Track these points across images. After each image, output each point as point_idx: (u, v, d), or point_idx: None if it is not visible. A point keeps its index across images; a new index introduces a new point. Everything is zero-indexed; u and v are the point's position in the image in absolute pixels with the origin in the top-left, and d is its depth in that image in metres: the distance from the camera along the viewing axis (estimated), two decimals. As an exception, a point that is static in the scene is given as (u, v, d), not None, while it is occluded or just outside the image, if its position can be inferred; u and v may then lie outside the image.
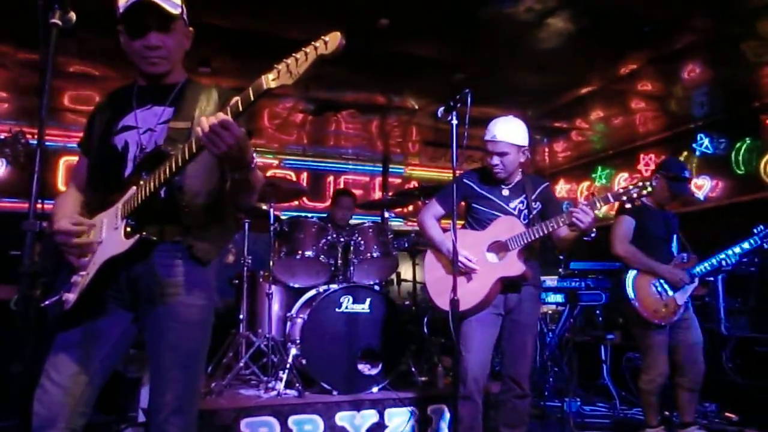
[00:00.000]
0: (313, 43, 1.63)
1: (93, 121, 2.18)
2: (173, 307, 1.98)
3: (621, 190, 3.06)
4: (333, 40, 1.62)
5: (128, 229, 1.91)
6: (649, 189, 3.02)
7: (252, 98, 1.68)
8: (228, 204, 2.13)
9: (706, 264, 3.99)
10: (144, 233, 1.90)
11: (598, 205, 3.02)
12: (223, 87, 2.21)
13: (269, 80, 1.66)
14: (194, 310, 2.01)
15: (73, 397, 1.94)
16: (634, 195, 3.02)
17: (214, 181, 2.06)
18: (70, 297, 1.93)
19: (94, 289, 1.94)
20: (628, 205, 3.19)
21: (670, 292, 3.89)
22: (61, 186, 7.18)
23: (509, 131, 3.32)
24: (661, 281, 3.90)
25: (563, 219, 3.09)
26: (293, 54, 1.65)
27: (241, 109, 1.70)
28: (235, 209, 2.24)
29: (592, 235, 3.09)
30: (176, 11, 1.99)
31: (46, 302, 1.94)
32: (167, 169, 1.84)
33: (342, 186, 8.44)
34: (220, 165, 2.00)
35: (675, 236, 4.13)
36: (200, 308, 2.03)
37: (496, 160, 3.32)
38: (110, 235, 1.95)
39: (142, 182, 1.91)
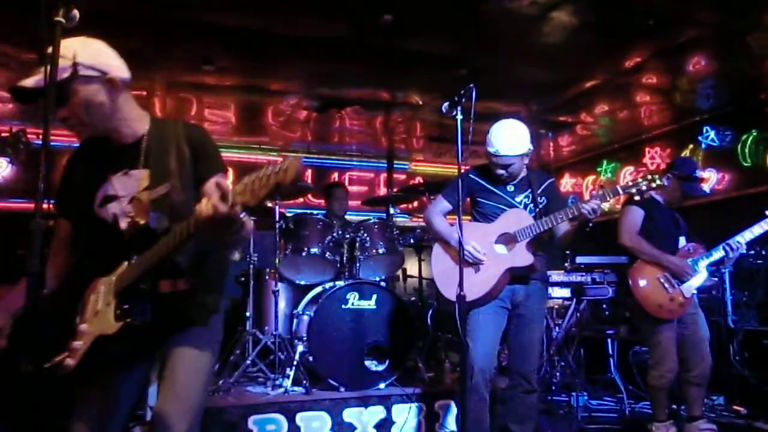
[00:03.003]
0: (271, 169, 1.58)
1: (66, 180, 2.17)
2: (187, 347, 2.04)
3: (630, 183, 3.05)
4: (291, 170, 1.56)
5: (118, 311, 1.91)
6: (658, 182, 3.01)
7: (226, 210, 1.65)
8: (215, 253, 2.15)
9: (714, 255, 3.95)
10: (129, 319, 1.89)
11: (607, 197, 3.02)
12: (188, 125, 2.17)
13: (236, 194, 1.63)
14: (204, 355, 2.08)
15: None
16: (644, 187, 3.02)
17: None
18: (71, 363, 1.92)
19: (92, 355, 1.94)
20: (637, 198, 3.17)
21: (676, 285, 3.88)
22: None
23: (512, 143, 3.29)
24: (667, 275, 3.88)
25: (571, 211, 3.09)
26: (254, 175, 1.61)
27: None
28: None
29: (590, 225, 3.09)
30: (52, 80, 1.70)
31: (49, 365, 1.93)
32: (163, 250, 1.83)
33: (347, 182, 8.46)
34: None
35: (682, 236, 4.10)
36: (209, 352, 2.10)
37: (501, 171, 3.33)
38: (104, 309, 1.95)
39: (133, 260, 1.92)
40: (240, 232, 1.85)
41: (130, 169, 2.04)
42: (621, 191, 3.05)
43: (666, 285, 3.87)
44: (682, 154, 6.75)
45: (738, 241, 3.89)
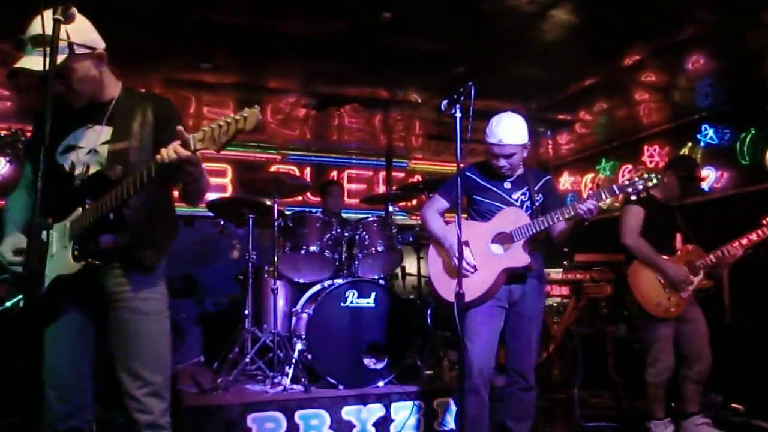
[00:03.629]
0: (232, 116, 1.76)
1: (37, 130, 2.34)
2: (128, 304, 2.18)
3: (627, 182, 3.05)
4: (252, 118, 1.76)
5: (76, 252, 2.08)
6: (655, 181, 3.01)
7: (188, 153, 1.85)
8: (168, 210, 2.35)
9: (711, 257, 3.95)
10: (89, 260, 2.07)
11: (603, 196, 3.01)
12: (158, 98, 2.35)
13: (196, 141, 1.82)
14: (149, 302, 2.22)
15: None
16: (640, 187, 3.02)
17: (154, 193, 2.21)
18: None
19: (53, 295, 2.11)
20: (633, 197, 3.17)
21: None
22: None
23: (514, 132, 3.30)
24: None
25: (568, 211, 3.09)
26: (217, 120, 1.77)
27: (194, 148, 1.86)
28: (174, 212, 2.43)
29: (586, 224, 3.09)
30: (52, 61, 1.79)
31: (7, 304, 2.15)
32: (118, 195, 1.98)
33: (346, 180, 8.48)
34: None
35: (679, 233, 4.10)
36: (154, 300, 2.24)
37: (503, 162, 3.32)
38: (60, 252, 2.12)
39: (88, 205, 2.08)
40: (200, 179, 2.02)
41: (94, 125, 2.21)
42: (618, 191, 3.05)
43: (664, 285, 3.88)
44: (681, 152, 6.75)
45: (735, 246, 3.90)
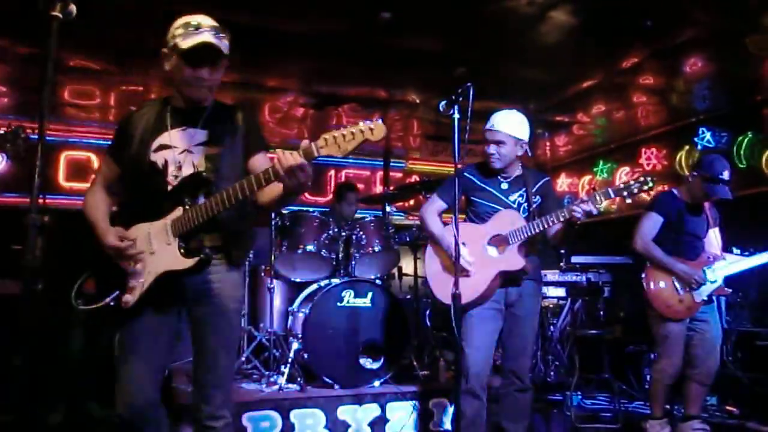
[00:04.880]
0: (361, 126, 1.92)
1: (124, 130, 2.37)
2: (218, 301, 2.29)
3: (622, 185, 3.05)
4: (378, 130, 1.91)
5: (182, 250, 2.18)
6: (651, 184, 3.01)
7: (306, 161, 2.00)
8: (252, 211, 2.43)
9: (731, 266, 3.95)
10: (203, 255, 2.19)
11: (599, 199, 3.01)
12: (244, 105, 2.50)
13: (318, 148, 1.97)
14: (232, 301, 2.34)
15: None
16: (636, 190, 3.02)
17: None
18: (129, 298, 2.19)
19: (152, 292, 2.22)
20: (629, 200, 3.15)
21: (688, 289, 3.88)
22: (62, 181, 7.19)
23: (508, 122, 3.33)
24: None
25: (563, 214, 3.09)
26: (341, 130, 1.92)
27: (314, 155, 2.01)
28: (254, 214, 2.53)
29: (578, 224, 3.09)
30: (227, 51, 2.25)
31: (107, 300, 2.22)
32: (230, 196, 2.08)
33: (343, 180, 8.45)
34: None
35: (708, 233, 4.06)
36: (237, 299, 2.37)
37: (492, 148, 3.33)
38: (163, 249, 2.21)
39: (188, 204, 2.17)
40: (301, 191, 2.12)
41: (189, 127, 2.32)
42: (612, 194, 3.04)
43: (678, 287, 3.88)
44: (678, 156, 6.76)
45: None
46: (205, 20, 2.25)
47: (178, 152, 2.27)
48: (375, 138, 1.90)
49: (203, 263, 2.19)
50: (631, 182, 3.03)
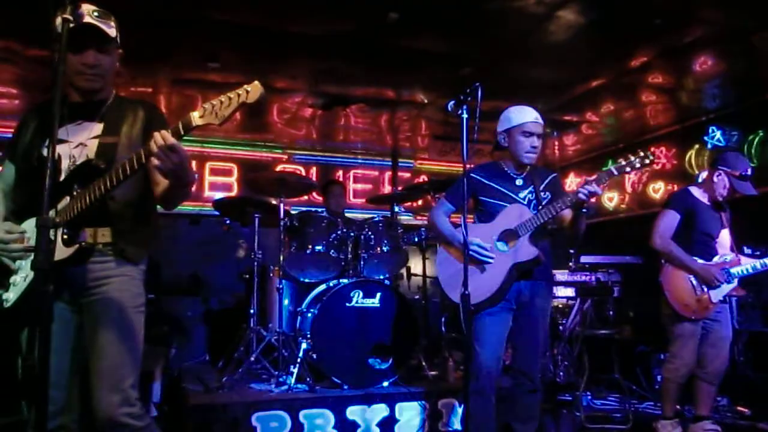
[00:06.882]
0: (237, 90, 1.80)
1: (21, 130, 2.32)
2: (105, 296, 2.19)
3: (623, 162, 3.09)
4: (254, 90, 1.80)
5: (65, 237, 2.05)
6: (651, 158, 3.05)
7: (182, 133, 1.90)
8: (153, 209, 2.38)
9: (748, 266, 3.94)
10: (83, 243, 2.07)
11: (604, 179, 3.04)
12: (149, 103, 2.45)
13: (196, 118, 1.86)
14: (125, 298, 2.22)
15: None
16: (637, 165, 3.06)
17: (141, 190, 2.28)
18: (11, 296, 2.10)
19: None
20: (631, 175, 3.18)
21: (705, 288, 3.87)
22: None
23: (537, 114, 3.36)
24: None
25: (570, 198, 3.10)
26: (219, 97, 1.82)
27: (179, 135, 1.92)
28: (158, 221, 2.46)
29: (585, 209, 3.13)
30: (113, 34, 2.21)
31: None
32: (108, 181, 1.99)
33: (352, 180, 8.48)
34: (157, 177, 2.15)
35: (720, 232, 4.04)
36: (132, 296, 2.25)
37: (537, 141, 3.33)
38: None
39: (75, 192, 2.07)
40: (185, 185, 2.09)
41: (85, 121, 2.26)
42: (616, 172, 3.08)
43: (696, 286, 3.87)
44: (688, 155, 6.73)
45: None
46: (87, 6, 2.16)
47: (73, 146, 2.21)
48: (251, 99, 1.79)
49: (83, 252, 2.08)
50: (632, 158, 3.07)
